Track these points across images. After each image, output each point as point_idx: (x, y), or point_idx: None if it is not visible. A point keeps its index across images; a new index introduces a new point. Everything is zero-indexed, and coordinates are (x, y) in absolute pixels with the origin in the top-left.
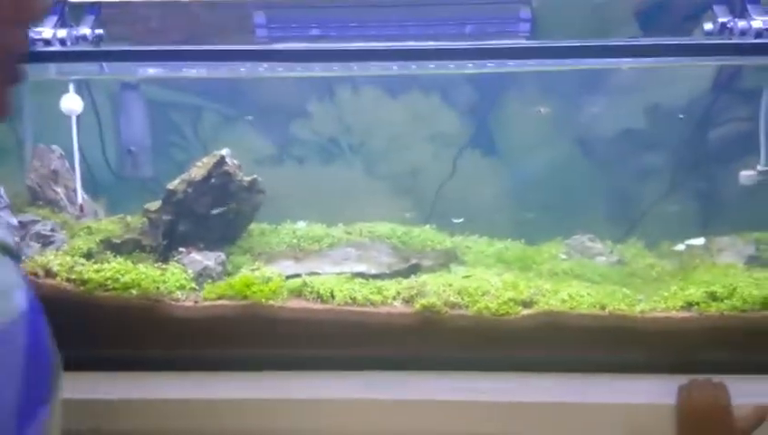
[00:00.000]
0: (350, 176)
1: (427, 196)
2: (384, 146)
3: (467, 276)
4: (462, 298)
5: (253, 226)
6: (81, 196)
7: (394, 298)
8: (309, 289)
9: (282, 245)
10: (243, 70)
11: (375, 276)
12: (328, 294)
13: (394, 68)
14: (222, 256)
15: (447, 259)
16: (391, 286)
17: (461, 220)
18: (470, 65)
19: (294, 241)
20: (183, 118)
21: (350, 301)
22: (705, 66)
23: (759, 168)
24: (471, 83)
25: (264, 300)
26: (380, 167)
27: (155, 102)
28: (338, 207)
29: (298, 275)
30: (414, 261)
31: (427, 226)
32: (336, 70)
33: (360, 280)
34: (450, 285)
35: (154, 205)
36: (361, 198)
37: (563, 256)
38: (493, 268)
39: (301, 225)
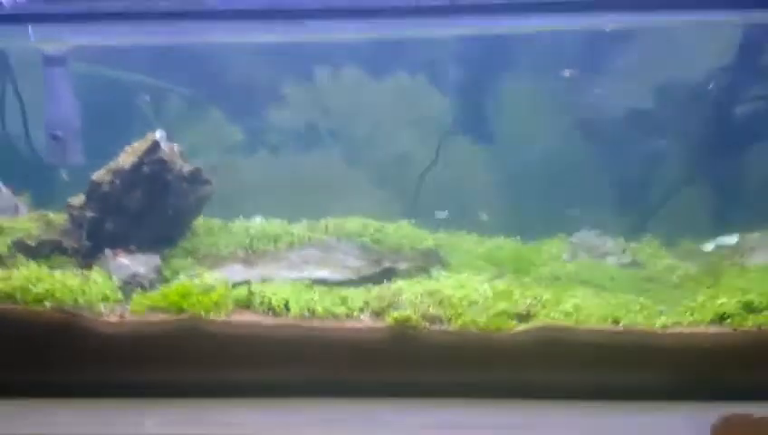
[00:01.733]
0: (324, 164)
1: (408, 186)
2: (367, 131)
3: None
4: (444, 310)
5: (199, 222)
6: None
7: (361, 310)
8: (259, 299)
9: (232, 245)
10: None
11: (339, 283)
12: (281, 306)
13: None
14: (157, 259)
15: (428, 261)
16: (358, 296)
17: (445, 214)
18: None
19: (247, 241)
20: (136, 100)
21: (307, 314)
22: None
23: None
24: (460, 63)
25: (203, 313)
26: (360, 154)
27: (100, 81)
28: (305, 200)
29: (247, 282)
30: (387, 264)
31: (405, 221)
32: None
33: (322, 288)
34: (430, 294)
35: (78, 199)
36: (334, 189)
37: (567, 257)
38: (483, 272)
39: (256, 221)
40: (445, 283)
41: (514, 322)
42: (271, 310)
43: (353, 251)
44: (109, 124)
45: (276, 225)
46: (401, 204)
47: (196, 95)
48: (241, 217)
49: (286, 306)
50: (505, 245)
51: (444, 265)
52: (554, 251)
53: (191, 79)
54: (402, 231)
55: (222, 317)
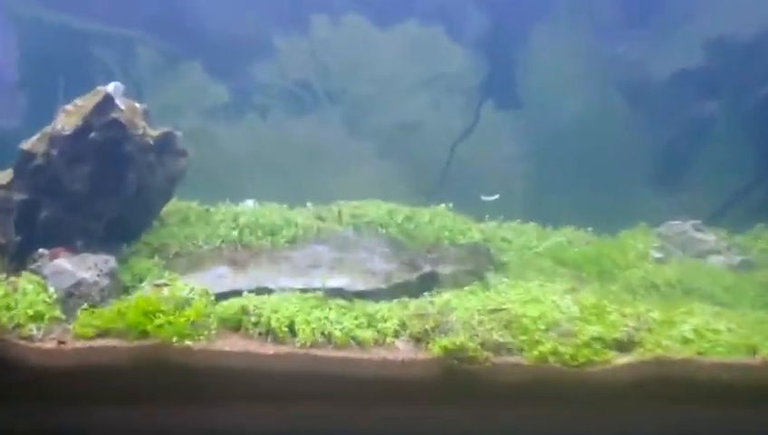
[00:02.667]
0: (327, 133)
1: (434, 162)
2: (372, 92)
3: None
4: (513, 335)
5: (171, 207)
6: None
7: (396, 334)
8: (254, 319)
9: (215, 238)
10: None
11: (363, 295)
12: (284, 328)
13: None
14: (111, 261)
15: (479, 262)
16: (391, 313)
17: (495, 198)
18: None
19: (235, 233)
20: (104, 53)
21: (321, 339)
22: None
23: None
24: (486, 9)
25: (175, 338)
26: (368, 120)
27: (48, 28)
28: (304, 176)
29: (237, 294)
30: (426, 267)
31: (442, 205)
32: None
33: (340, 301)
34: (492, 312)
35: (4, 176)
36: (337, 163)
37: (656, 255)
38: (554, 277)
39: (248, 205)
40: (510, 295)
41: (612, 352)
42: (270, 334)
43: (379, 248)
44: (59, 80)
45: (273, 210)
46: (417, 181)
47: (173, 48)
48: (228, 200)
49: (291, 329)
50: (575, 238)
51: (499, 265)
52: (640, 247)
53: (166, 29)
54: (439, 219)
55: (201, 344)
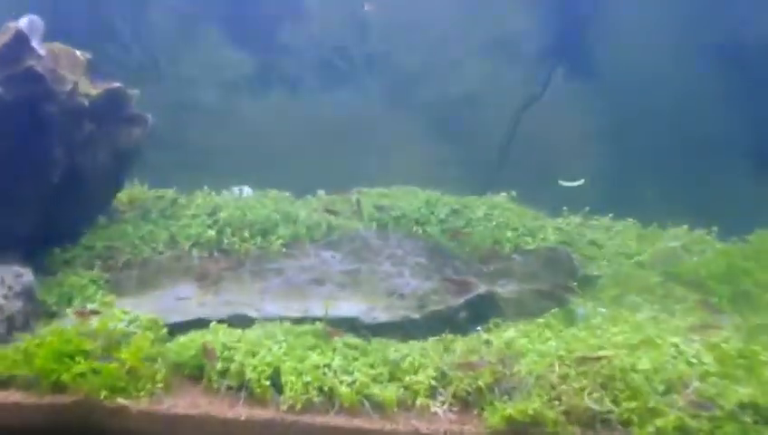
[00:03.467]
0: (366, 109)
1: (492, 142)
2: (420, 60)
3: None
4: (615, 400)
5: (125, 196)
6: None
7: (432, 393)
8: (221, 365)
9: (183, 242)
10: None
11: (385, 329)
12: (264, 382)
13: None
14: (26, 275)
15: (557, 276)
16: (425, 359)
17: (580, 183)
18: None
19: (211, 233)
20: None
21: (320, 399)
22: None
23: None
24: None
25: (102, 394)
26: (414, 93)
27: None
28: (338, 161)
29: (202, 325)
30: (481, 288)
31: (502, 194)
32: None
33: (350, 340)
34: (582, 361)
35: None
36: (383, 146)
37: None
38: (669, 302)
39: (239, 193)
40: (608, 333)
41: None
42: (244, 389)
43: (412, 256)
44: None
45: (269, 200)
46: (472, 167)
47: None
48: (206, 187)
49: (275, 382)
50: (691, 242)
51: (586, 283)
52: None
53: None
54: (501, 214)
55: (142, 403)
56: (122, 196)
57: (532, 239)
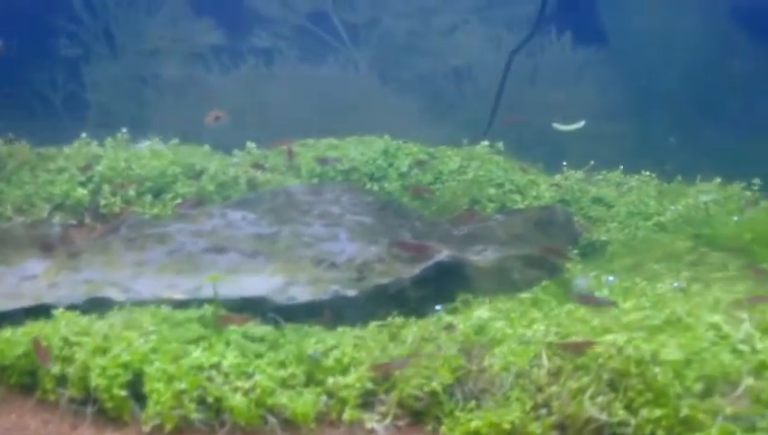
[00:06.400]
0: (350, 82)
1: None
2: (408, 27)
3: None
4: (631, 406)
5: None
6: None
7: (366, 402)
8: (58, 368)
9: (40, 203)
10: None
11: (305, 312)
12: (119, 392)
13: None
14: None
15: (552, 241)
16: (360, 352)
17: (580, 125)
18: None
19: (82, 191)
20: None
21: (199, 416)
22: None
23: None
24: None
25: None
26: (402, 64)
27: None
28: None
29: (42, 312)
30: (443, 254)
31: (484, 143)
32: None
33: (254, 329)
34: (579, 349)
35: None
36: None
37: None
38: (704, 271)
39: (137, 147)
40: (619, 310)
41: None
42: (92, 403)
43: (354, 215)
44: None
45: (167, 151)
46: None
47: None
48: (84, 134)
49: (135, 392)
50: (728, 198)
51: (591, 250)
52: None
53: None
54: (480, 167)
55: None
56: None
57: (521, 198)
